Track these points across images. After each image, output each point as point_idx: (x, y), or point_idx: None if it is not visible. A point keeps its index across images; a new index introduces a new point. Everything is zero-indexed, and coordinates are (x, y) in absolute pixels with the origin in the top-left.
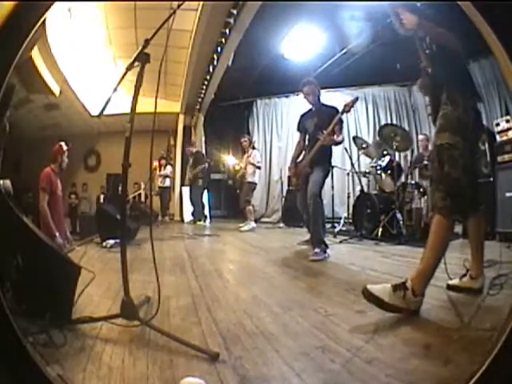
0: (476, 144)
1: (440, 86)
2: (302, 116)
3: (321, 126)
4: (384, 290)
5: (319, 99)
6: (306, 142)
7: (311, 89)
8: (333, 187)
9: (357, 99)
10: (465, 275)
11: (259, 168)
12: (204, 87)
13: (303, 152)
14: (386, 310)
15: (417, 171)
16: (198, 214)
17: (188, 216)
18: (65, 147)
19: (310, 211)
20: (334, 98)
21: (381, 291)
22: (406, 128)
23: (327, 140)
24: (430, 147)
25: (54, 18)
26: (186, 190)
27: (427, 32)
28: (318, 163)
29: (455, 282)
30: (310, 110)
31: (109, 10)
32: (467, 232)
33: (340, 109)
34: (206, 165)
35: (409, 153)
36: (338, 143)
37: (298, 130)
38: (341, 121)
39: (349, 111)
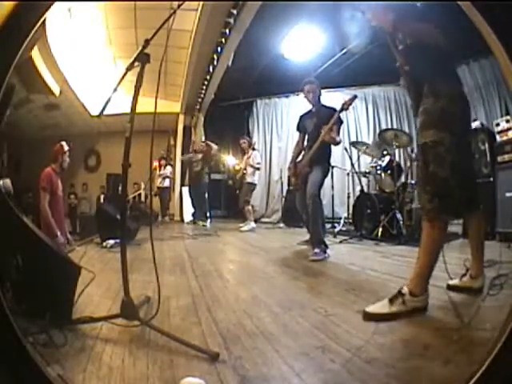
0: (465, 137)
1: (421, 81)
2: (302, 116)
3: (320, 127)
4: (383, 306)
5: (319, 99)
6: (305, 142)
7: (312, 88)
8: (333, 187)
9: (355, 97)
10: (465, 275)
11: (258, 169)
12: (204, 87)
13: (302, 152)
14: (392, 319)
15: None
16: (199, 214)
17: (188, 216)
18: (65, 147)
19: (309, 211)
20: (334, 98)
21: (379, 307)
22: (406, 129)
23: (327, 136)
24: None
25: (54, 18)
26: (185, 190)
27: (402, 30)
28: (317, 163)
29: (455, 281)
30: (310, 110)
31: (109, 10)
32: (467, 232)
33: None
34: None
35: (409, 148)
36: (336, 143)
37: (298, 129)
38: (340, 121)
39: (347, 109)
